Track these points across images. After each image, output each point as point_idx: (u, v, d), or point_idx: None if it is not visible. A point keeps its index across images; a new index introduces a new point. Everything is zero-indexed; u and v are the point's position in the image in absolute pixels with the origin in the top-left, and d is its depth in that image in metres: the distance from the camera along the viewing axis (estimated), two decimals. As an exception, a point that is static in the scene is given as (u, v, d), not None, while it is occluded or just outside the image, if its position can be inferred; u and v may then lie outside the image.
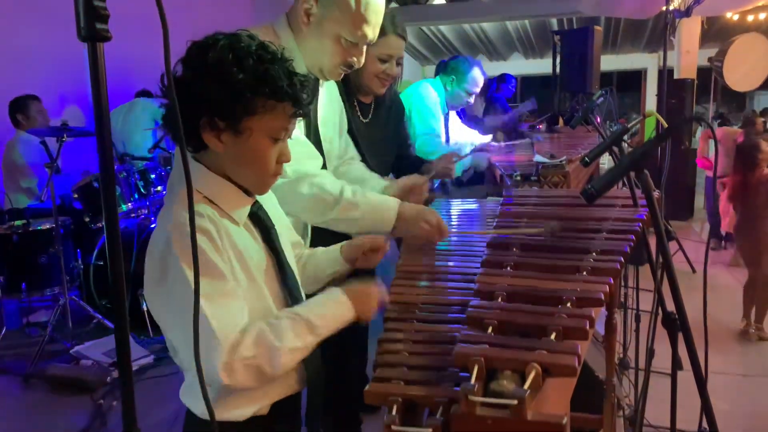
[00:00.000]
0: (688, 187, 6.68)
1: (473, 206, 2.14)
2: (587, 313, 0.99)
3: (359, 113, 2.18)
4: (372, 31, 1.51)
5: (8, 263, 3.51)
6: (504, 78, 7.12)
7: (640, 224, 1.58)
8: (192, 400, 1.18)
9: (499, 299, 1.08)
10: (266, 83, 1.04)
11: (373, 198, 1.55)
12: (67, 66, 4.50)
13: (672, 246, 5.44)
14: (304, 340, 1.06)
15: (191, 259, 0.81)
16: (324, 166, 1.69)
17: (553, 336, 0.92)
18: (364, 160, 2.04)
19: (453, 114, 3.59)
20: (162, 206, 1.14)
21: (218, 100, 1.02)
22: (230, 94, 1.02)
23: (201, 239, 1.02)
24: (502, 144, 3.79)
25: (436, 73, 3.53)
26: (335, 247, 1.39)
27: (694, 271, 5.36)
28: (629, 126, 1.83)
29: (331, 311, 1.12)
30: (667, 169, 1.86)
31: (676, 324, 1.36)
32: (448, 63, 3.46)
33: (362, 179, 1.82)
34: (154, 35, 0.79)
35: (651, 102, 13.98)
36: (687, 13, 4.35)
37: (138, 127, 4.52)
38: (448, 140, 3.39)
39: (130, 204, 3.85)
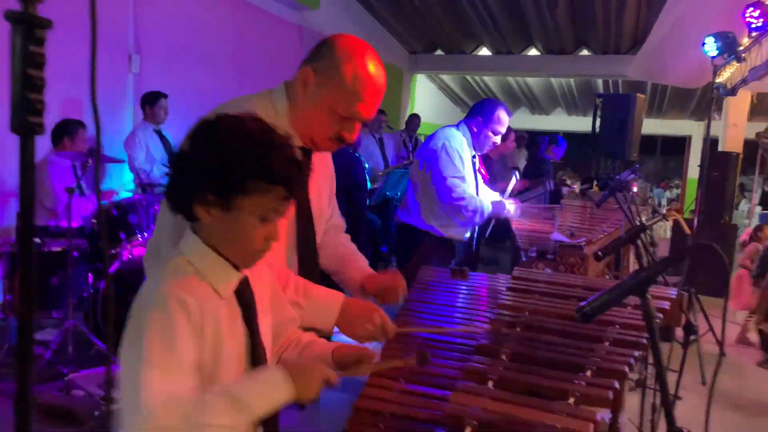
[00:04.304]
0: (725, 262, 6.39)
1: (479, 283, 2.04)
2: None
3: None
4: (366, 110, 1.48)
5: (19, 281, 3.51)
6: (556, 140, 7.06)
7: (647, 338, 1.47)
8: None
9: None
10: (260, 167, 1.06)
11: (318, 293, 1.50)
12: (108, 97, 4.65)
13: (703, 326, 5.18)
14: (232, 418, 1.00)
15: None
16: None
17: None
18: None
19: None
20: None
21: (212, 177, 1.05)
22: (224, 174, 1.05)
23: (180, 315, 1.03)
24: (521, 202, 3.67)
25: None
26: (328, 347, 1.33)
27: (723, 354, 5.06)
28: (647, 223, 1.73)
29: (266, 390, 1.06)
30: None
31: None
32: (472, 107, 3.42)
33: (345, 260, 1.81)
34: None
35: (693, 171, 13.65)
36: (733, 92, 4.22)
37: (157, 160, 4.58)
38: (477, 184, 3.28)
39: (146, 234, 3.84)
